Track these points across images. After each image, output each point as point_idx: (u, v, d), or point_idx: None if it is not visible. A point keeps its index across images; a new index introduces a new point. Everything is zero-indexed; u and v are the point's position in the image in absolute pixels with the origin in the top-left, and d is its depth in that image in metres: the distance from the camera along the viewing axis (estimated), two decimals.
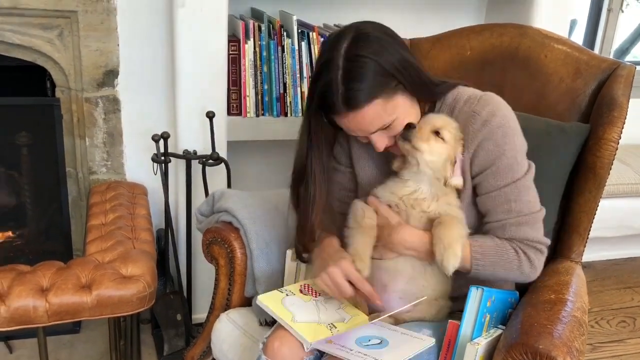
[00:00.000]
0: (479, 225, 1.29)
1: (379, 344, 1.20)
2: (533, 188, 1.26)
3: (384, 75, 1.17)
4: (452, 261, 1.18)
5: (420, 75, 1.25)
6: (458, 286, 1.35)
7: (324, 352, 1.20)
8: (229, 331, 1.44)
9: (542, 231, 1.26)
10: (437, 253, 1.20)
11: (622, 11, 2.99)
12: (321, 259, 1.29)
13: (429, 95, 1.29)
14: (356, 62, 1.15)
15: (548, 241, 1.27)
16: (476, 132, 1.22)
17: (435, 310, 1.31)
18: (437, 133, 1.22)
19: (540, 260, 1.26)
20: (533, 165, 1.26)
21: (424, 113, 1.30)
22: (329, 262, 1.25)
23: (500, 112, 1.23)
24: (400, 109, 1.21)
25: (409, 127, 1.22)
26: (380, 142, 1.24)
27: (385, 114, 1.19)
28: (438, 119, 1.24)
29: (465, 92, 1.29)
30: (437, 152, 1.22)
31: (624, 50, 3.71)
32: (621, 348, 2.32)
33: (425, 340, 1.19)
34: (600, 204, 1.46)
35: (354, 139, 1.35)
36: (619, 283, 2.77)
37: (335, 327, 1.23)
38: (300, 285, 1.36)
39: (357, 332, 1.23)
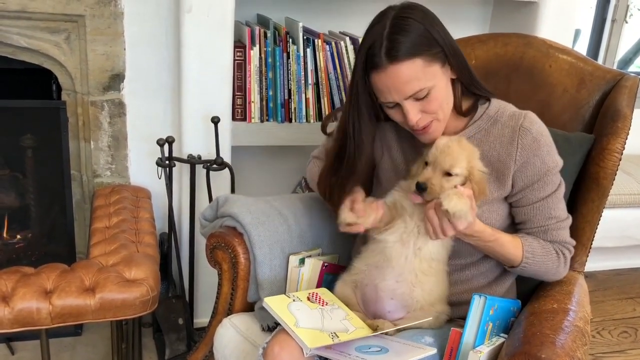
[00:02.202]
0: (511, 231, 1.36)
1: (378, 351, 1.20)
2: (563, 199, 1.36)
3: (429, 39, 1.21)
4: (455, 201, 1.16)
5: (465, 60, 1.30)
6: (457, 292, 1.36)
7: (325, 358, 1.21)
8: (231, 336, 1.44)
9: (569, 234, 1.38)
10: (443, 196, 1.18)
11: (626, 22, 2.99)
12: None
13: (472, 84, 1.33)
14: (403, 21, 1.21)
15: (574, 242, 1.38)
16: (526, 147, 1.28)
17: (432, 317, 1.31)
18: (448, 174, 1.23)
19: (569, 259, 1.37)
20: (563, 180, 1.35)
21: (466, 115, 1.34)
22: None
23: (545, 132, 1.31)
24: (439, 80, 1.24)
25: (419, 187, 1.22)
26: (413, 112, 1.24)
27: (423, 77, 1.21)
28: (446, 159, 1.23)
29: (507, 107, 1.35)
30: (452, 191, 1.21)
31: (628, 60, 3.71)
32: (623, 359, 2.32)
33: (426, 350, 1.20)
34: (603, 213, 1.47)
35: (389, 129, 1.40)
36: (621, 293, 2.77)
37: (338, 337, 1.23)
38: (309, 293, 1.36)
39: (358, 341, 1.24)
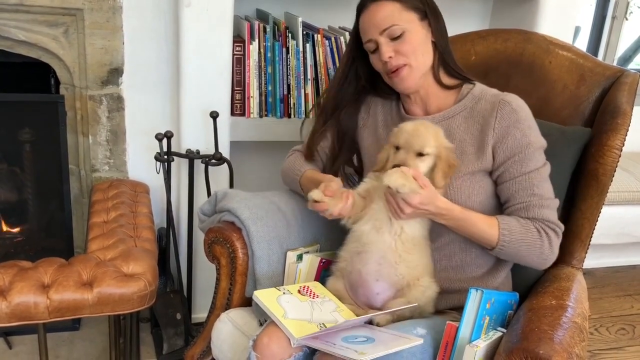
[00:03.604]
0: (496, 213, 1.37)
1: (365, 341, 1.21)
2: (549, 180, 1.36)
3: None
4: (394, 177, 1.22)
5: (445, 29, 1.43)
6: (447, 279, 1.37)
7: (315, 351, 1.22)
8: (229, 331, 1.44)
9: (557, 217, 1.36)
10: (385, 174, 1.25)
11: (627, 19, 2.99)
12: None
13: (450, 58, 1.43)
14: None
15: (563, 226, 1.36)
16: (505, 117, 1.33)
17: (419, 292, 1.32)
18: (420, 154, 1.29)
19: (556, 243, 1.35)
20: (548, 162, 1.36)
21: (449, 88, 1.42)
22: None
23: (526, 109, 1.37)
24: (414, 27, 1.36)
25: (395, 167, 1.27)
26: (386, 49, 1.36)
27: (398, 17, 1.35)
28: (416, 141, 1.30)
29: (491, 89, 1.43)
30: (393, 170, 1.26)
31: (627, 58, 3.71)
32: (620, 356, 2.32)
33: (412, 340, 1.20)
34: (602, 210, 1.47)
35: (375, 109, 1.53)
36: (619, 290, 2.77)
37: (326, 327, 1.25)
38: (300, 286, 1.37)
39: (346, 332, 1.24)
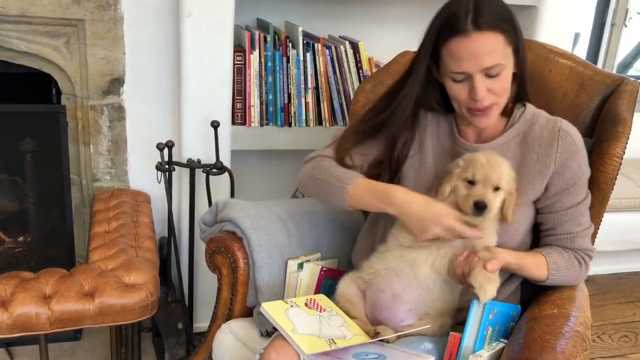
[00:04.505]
0: (533, 235, 1.37)
1: (376, 358, 1.19)
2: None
3: (510, 21, 1.24)
4: (491, 292, 1.19)
5: (526, 58, 1.32)
6: (463, 300, 1.35)
7: None
8: (230, 342, 1.44)
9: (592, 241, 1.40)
10: (475, 283, 1.20)
11: (626, 25, 3.00)
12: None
13: (523, 86, 1.35)
14: None
15: (595, 249, 1.38)
16: (566, 148, 1.29)
17: (437, 327, 1.31)
18: (497, 189, 1.25)
19: (590, 265, 1.37)
20: (589, 191, 1.37)
21: (505, 115, 1.35)
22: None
23: (580, 136, 1.33)
24: (510, 64, 1.26)
25: (480, 207, 1.22)
26: (482, 88, 1.23)
27: (502, 52, 1.22)
28: (495, 174, 1.24)
29: (541, 112, 1.36)
30: (497, 205, 1.25)
31: (627, 64, 3.72)
32: None
33: (423, 357, 1.19)
34: (603, 217, 1.47)
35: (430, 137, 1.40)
36: (621, 297, 2.77)
37: (335, 343, 1.23)
38: (306, 299, 1.36)
39: (356, 348, 1.23)
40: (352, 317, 1.34)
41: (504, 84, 1.26)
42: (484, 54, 1.21)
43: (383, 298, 1.31)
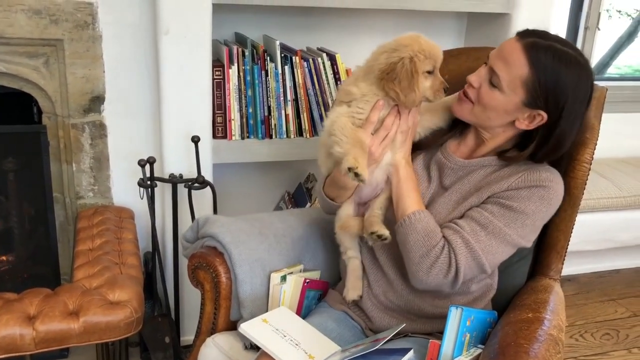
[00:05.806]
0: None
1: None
2: (505, 260, 1.33)
3: (549, 84, 1.25)
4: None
5: (564, 145, 1.32)
6: (436, 307, 1.38)
7: None
8: (215, 356, 1.46)
9: (475, 274, 1.31)
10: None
11: (599, 29, 3.06)
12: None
13: (541, 157, 1.34)
14: (564, 54, 1.27)
15: (464, 277, 1.28)
16: (528, 178, 1.30)
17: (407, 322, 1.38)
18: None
19: (452, 273, 1.26)
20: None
21: (501, 157, 1.37)
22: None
23: (556, 187, 1.32)
24: (510, 96, 1.28)
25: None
26: (480, 75, 1.32)
27: (512, 80, 1.26)
28: (440, 56, 1.35)
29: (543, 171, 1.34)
30: None
31: (605, 63, 3.78)
32: None
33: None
34: (583, 217, 1.50)
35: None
36: (603, 295, 2.81)
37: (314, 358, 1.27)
38: (266, 315, 1.40)
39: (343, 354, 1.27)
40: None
41: (489, 99, 1.30)
42: (507, 55, 1.27)
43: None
